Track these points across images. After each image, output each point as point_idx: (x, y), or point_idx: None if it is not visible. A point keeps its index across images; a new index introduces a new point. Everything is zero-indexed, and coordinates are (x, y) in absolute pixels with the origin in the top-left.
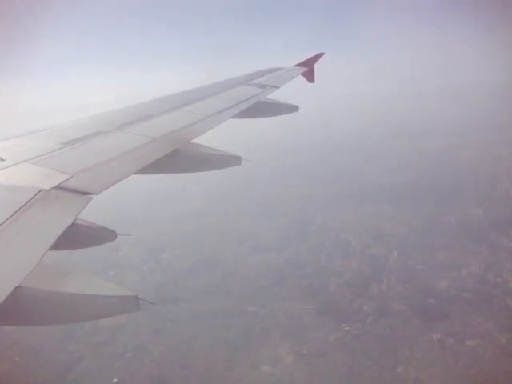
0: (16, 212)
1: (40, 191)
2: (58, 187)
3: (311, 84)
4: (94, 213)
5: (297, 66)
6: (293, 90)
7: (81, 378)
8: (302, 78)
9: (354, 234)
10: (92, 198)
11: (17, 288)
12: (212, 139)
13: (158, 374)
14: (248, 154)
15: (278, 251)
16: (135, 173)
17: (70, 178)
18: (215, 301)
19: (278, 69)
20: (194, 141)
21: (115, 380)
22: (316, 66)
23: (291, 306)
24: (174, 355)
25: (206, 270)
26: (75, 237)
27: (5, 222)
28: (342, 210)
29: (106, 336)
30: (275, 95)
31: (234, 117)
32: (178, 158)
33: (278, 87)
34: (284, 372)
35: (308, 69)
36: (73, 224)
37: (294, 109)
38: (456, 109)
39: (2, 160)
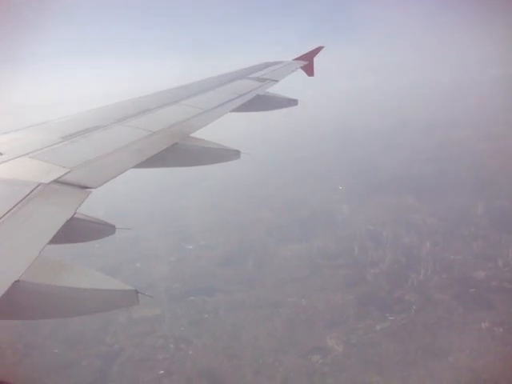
0: (15, 206)
1: (39, 185)
2: (57, 181)
3: (318, 78)
4: (107, 207)
5: (296, 59)
6: (298, 84)
7: (125, 370)
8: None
9: (383, 225)
10: (91, 191)
11: (16, 282)
12: (211, 133)
13: (205, 366)
14: (256, 148)
15: (308, 242)
16: (134, 167)
17: (69, 171)
18: (252, 291)
19: (278, 62)
20: (194, 135)
21: (161, 372)
22: (316, 59)
23: (331, 297)
24: (219, 346)
25: (238, 260)
26: (74, 231)
27: (4, 216)
28: (365, 201)
29: (143, 328)
30: (281, 88)
31: (233, 110)
32: (177, 151)
33: (277, 81)
34: (336, 361)
35: (307, 62)
36: (72, 218)
37: (293, 102)
38: (466, 102)
39: (1, 154)
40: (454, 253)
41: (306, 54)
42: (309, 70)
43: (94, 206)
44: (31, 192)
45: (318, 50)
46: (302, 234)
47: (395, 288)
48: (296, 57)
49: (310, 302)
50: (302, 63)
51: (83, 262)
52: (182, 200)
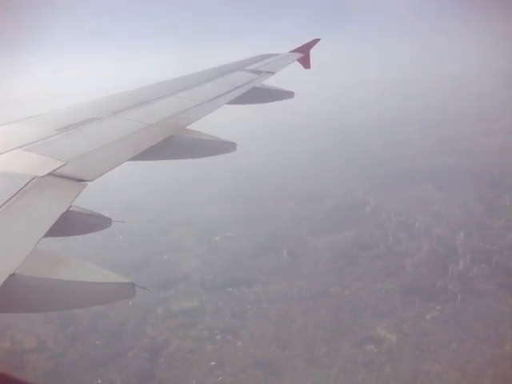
0: (10, 199)
1: (34, 178)
2: (52, 174)
3: (318, 71)
4: (121, 200)
5: (292, 51)
6: (298, 78)
7: (174, 361)
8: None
9: (412, 216)
10: (87, 184)
11: (11, 275)
12: (211, 126)
13: (257, 356)
14: (256, 141)
15: (339, 233)
16: (130, 159)
17: (64, 164)
18: (291, 282)
19: (274, 55)
20: (190, 127)
21: (213, 363)
22: (312, 51)
23: (373, 286)
24: (268, 337)
25: (270, 251)
26: (70, 224)
27: None
28: (386, 192)
29: (184, 320)
30: (281, 81)
31: (229, 103)
32: (173, 144)
33: (273, 73)
34: (391, 351)
35: (304, 55)
36: (67, 211)
37: (289, 95)
38: (470, 95)
39: None
40: (489, 243)
41: (303, 46)
42: (305, 62)
43: (107, 200)
44: (26, 185)
45: (314, 42)
46: (331, 225)
47: (436, 278)
48: (292, 49)
49: (352, 292)
50: (299, 55)
51: (107, 256)
52: (192, 193)
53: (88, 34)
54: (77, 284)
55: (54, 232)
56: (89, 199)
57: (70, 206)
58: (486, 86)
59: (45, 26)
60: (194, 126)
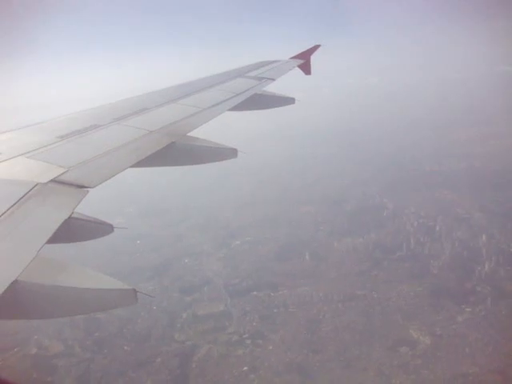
0: (12, 206)
1: (36, 185)
2: (54, 181)
3: (320, 78)
4: (138, 204)
5: (293, 58)
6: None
7: (206, 367)
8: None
9: (433, 219)
10: (88, 191)
11: (14, 282)
12: (218, 131)
13: (290, 361)
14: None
15: (360, 236)
16: (132, 166)
17: (66, 171)
18: (317, 286)
19: (274, 61)
20: (191, 134)
21: (245, 368)
22: (312, 57)
23: (401, 289)
24: (299, 341)
25: (292, 255)
26: (72, 230)
27: (1, 216)
28: (403, 196)
29: (211, 324)
30: (281, 87)
31: (230, 109)
32: (174, 150)
33: (274, 79)
34: (427, 353)
35: (304, 61)
36: (70, 218)
37: (290, 101)
38: (476, 99)
39: None
40: None
41: (303, 52)
42: (306, 68)
43: (121, 205)
44: (28, 192)
45: (314, 48)
46: (351, 229)
47: (464, 280)
48: (293, 55)
49: (380, 295)
50: (299, 62)
51: (129, 260)
52: (206, 198)
53: (89, 41)
54: (79, 290)
55: (56, 238)
56: (102, 205)
57: (72, 213)
58: (491, 92)
59: (47, 33)
60: (200, 133)
